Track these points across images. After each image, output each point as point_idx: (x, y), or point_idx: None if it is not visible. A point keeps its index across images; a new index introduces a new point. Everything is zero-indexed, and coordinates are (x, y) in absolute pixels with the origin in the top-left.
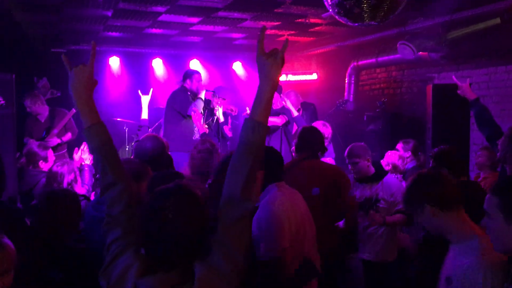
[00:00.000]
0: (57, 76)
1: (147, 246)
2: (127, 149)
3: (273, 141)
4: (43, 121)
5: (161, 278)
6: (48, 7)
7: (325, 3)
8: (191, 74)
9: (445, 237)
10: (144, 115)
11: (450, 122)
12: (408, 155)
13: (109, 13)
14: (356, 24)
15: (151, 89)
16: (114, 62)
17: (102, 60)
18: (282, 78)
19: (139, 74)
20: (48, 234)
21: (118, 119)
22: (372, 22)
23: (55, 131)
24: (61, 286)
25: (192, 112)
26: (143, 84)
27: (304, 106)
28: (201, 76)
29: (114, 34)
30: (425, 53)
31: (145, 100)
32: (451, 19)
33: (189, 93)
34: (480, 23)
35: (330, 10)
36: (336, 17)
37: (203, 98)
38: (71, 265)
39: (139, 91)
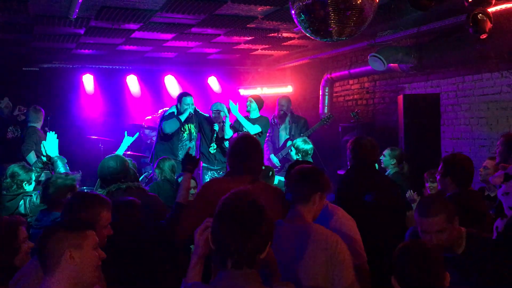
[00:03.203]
0: (30, 94)
1: None
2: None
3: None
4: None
5: None
6: (20, 25)
7: (295, 20)
8: (179, 97)
9: None
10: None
11: (421, 131)
12: (393, 163)
13: (82, 31)
14: (325, 40)
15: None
16: (88, 79)
17: (75, 77)
18: (257, 91)
19: (113, 91)
20: None
21: (93, 137)
22: (340, 38)
23: None
24: None
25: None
26: (118, 101)
27: (295, 119)
28: (186, 96)
29: (87, 51)
30: (395, 65)
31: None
32: (418, 31)
33: (176, 114)
34: (445, 34)
35: (299, 26)
36: (305, 33)
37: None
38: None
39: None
